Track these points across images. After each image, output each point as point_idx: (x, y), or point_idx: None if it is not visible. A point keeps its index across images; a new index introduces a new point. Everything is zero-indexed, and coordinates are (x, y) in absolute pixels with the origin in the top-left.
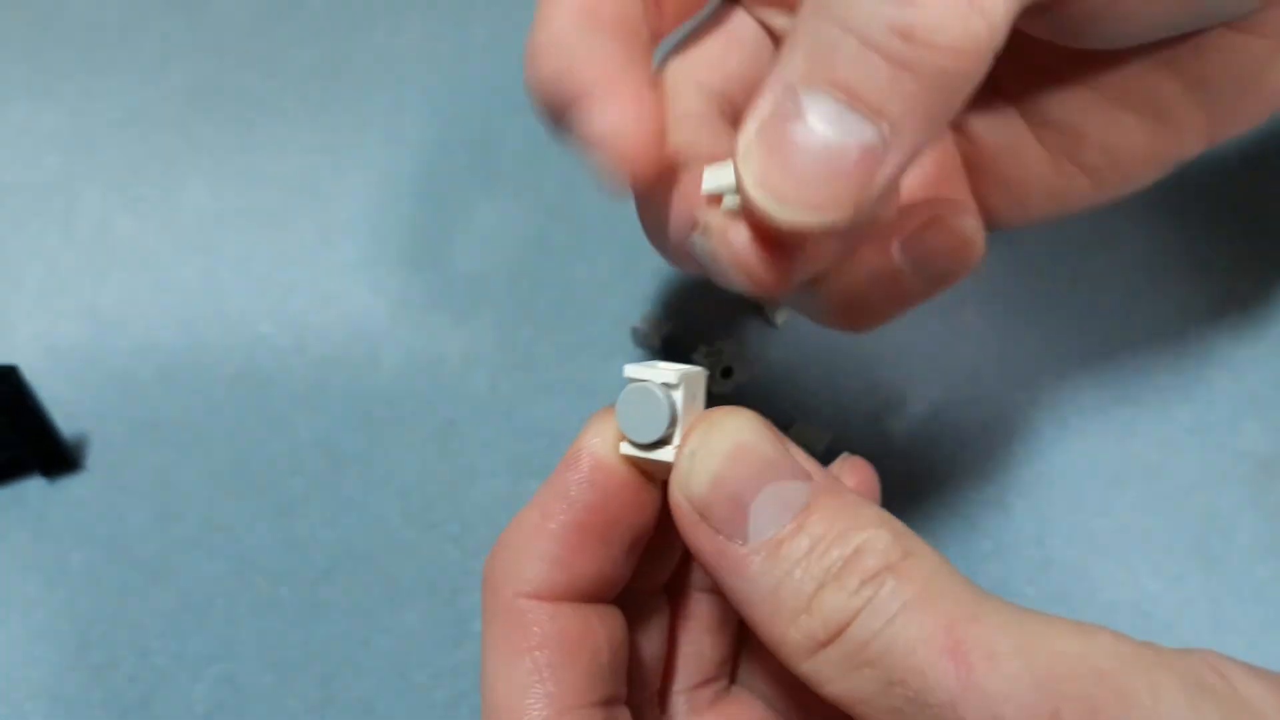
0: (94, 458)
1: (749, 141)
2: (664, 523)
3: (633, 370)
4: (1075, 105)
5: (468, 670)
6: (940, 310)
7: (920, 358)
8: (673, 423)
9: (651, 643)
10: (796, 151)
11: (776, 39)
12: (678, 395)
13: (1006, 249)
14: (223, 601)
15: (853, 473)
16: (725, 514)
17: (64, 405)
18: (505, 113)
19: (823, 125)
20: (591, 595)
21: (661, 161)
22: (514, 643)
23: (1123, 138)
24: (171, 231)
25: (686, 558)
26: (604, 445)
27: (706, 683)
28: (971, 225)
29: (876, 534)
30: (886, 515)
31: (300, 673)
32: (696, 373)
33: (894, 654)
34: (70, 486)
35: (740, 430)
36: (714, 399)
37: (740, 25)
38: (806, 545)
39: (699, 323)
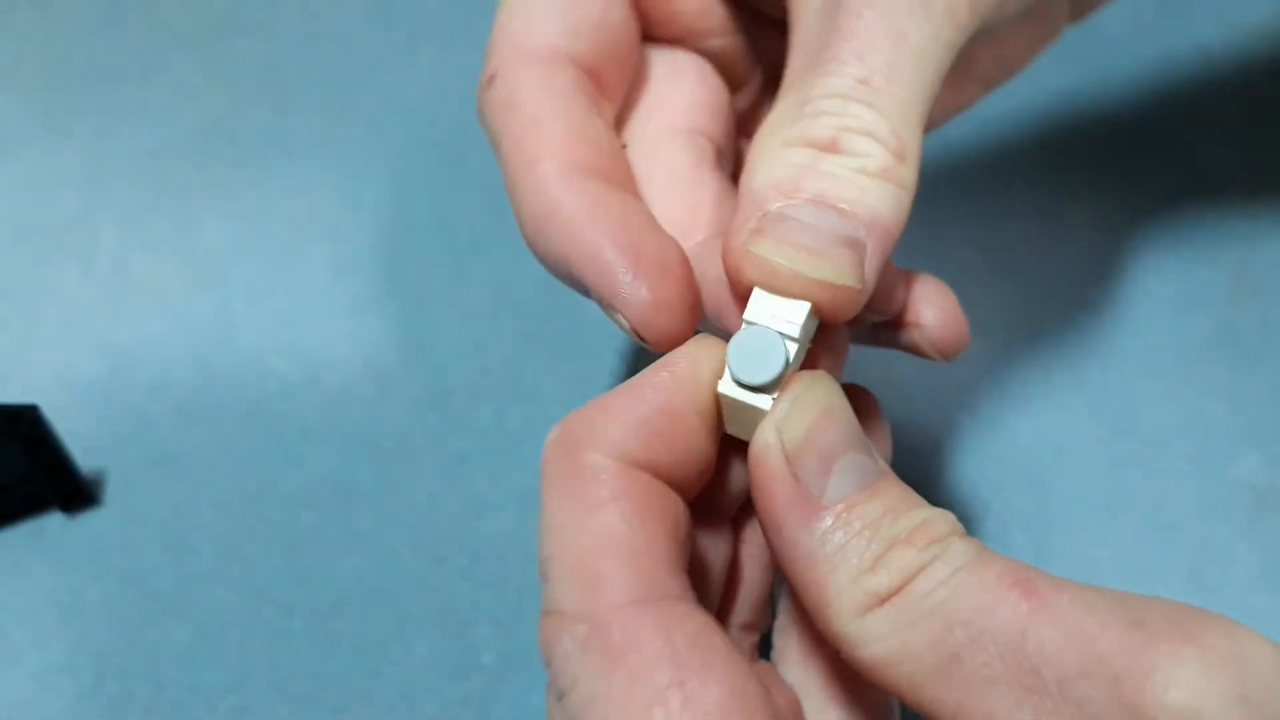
0: (111, 493)
1: (749, 237)
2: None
3: (754, 313)
4: None
5: (476, 701)
6: None
7: (919, 388)
8: (784, 373)
9: (716, 561)
10: (798, 233)
11: (717, 60)
12: (793, 348)
13: (1004, 278)
14: (236, 634)
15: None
16: (813, 466)
17: (82, 441)
18: None
19: (810, 219)
20: (663, 479)
21: (694, 324)
22: (593, 496)
23: (1010, 46)
24: (186, 268)
25: None
26: (705, 362)
27: (750, 626)
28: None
29: (941, 512)
30: None
31: (312, 704)
32: (812, 325)
33: (957, 597)
34: (88, 521)
35: (836, 394)
36: None
37: (682, 62)
38: (880, 510)
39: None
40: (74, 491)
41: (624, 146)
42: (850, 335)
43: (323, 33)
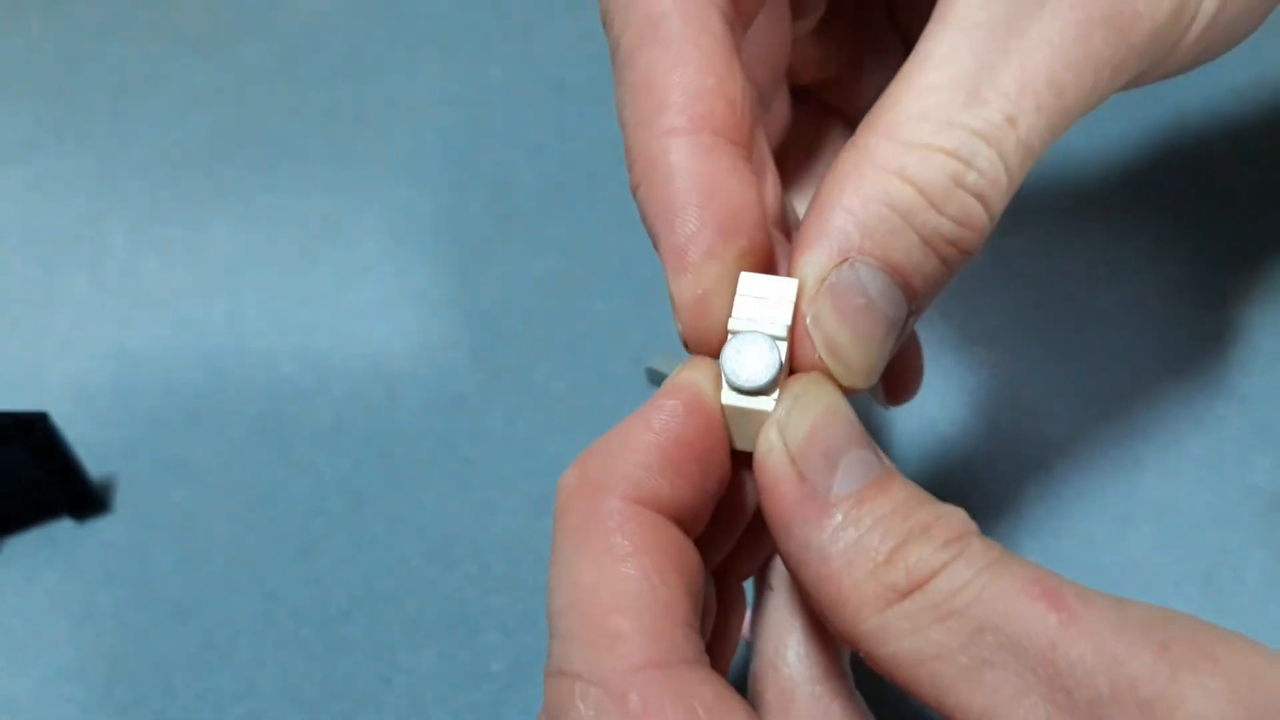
0: (121, 499)
1: (822, 306)
2: (730, 503)
3: (738, 320)
4: None
5: (485, 709)
6: (951, 346)
7: (930, 393)
8: (780, 373)
9: (711, 609)
10: (863, 323)
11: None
12: (784, 347)
13: (1016, 284)
14: (246, 640)
15: None
16: (816, 464)
17: (92, 447)
18: (522, 153)
19: (881, 301)
20: (684, 523)
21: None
22: (616, 547)
23: None
24: (196, 272)
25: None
26: (706, 382)
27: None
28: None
29: (954, 509)
30: None
31: (322, 711)
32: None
33: (985, 601)
34: (98, 528)
35: (836, 394)
36: None
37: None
38: (889, 506)
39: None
40: (84, 498)
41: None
42: None
43: (331, 38)
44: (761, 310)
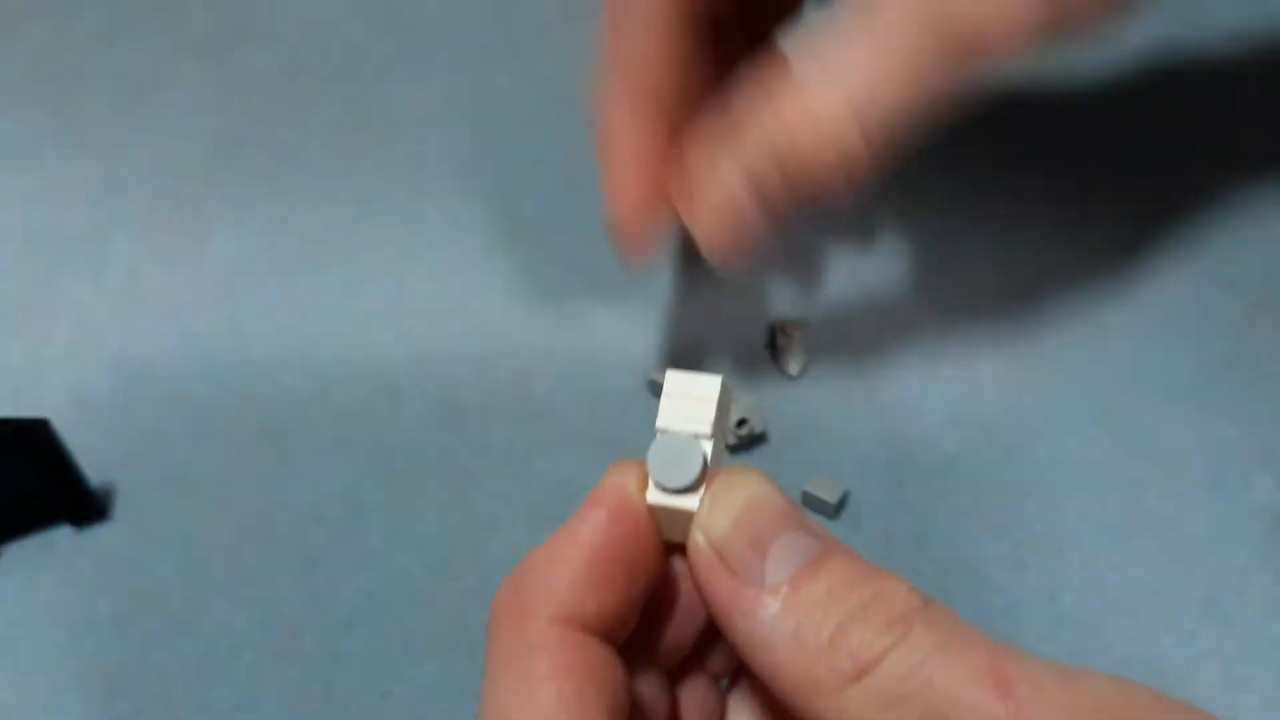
0: (121, 507)
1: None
2: (674, 594)
3: (665, 419)
4: None
5: None
6: (955, 364)
7: (935, 411)
8: (704, 472)
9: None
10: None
11: None
12: (708, 445)
13: (1018, 299)
14: (246, 652)
15: None
16: (744, 556)
17: (91, 454)
18: (526, 162)
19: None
20: (611, 632)
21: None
22: (537, 670)
23: None
24: (198, 281)
25: (698, 642)
26: (630, 487)
27: None
28: None
29: (895, 583)
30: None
31: None
32: (724, 419)
33: (934, 689)
34: (98, 535)
35: (759, 484)
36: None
37: None
38: (825, 588)
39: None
40: (84, 505)
41: None
42: None
43: (335, 45)
44: (685, 409)
